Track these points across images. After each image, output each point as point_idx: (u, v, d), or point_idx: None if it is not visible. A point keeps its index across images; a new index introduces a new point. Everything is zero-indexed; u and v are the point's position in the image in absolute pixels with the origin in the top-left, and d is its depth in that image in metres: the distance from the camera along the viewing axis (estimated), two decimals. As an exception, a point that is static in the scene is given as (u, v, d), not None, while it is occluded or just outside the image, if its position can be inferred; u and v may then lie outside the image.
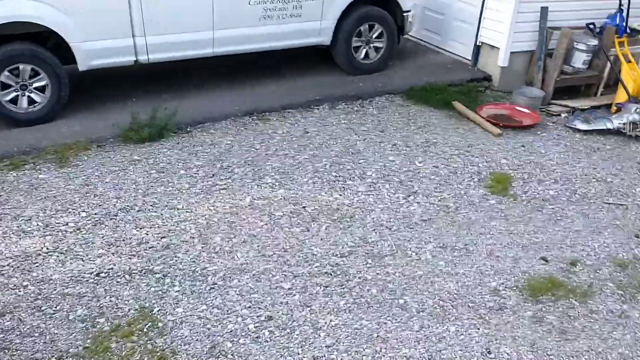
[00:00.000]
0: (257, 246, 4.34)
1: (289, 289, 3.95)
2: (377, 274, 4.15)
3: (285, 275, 4.07)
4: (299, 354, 3.46)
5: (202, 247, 4.29)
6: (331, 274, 4.11)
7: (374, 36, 7.32)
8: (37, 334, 3.51)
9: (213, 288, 3.92)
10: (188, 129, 5.89)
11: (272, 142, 5.77)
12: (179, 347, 3.45)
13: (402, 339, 3.62)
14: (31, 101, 5.72)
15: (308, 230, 4.55)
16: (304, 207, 4.83)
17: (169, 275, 4.01)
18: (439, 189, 5.25)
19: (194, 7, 6.10)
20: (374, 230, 4.62)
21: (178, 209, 4.71)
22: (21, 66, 5.55)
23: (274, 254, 4.27)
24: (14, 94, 5.63)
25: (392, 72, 7.53)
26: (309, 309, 3.79)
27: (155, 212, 4.66)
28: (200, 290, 3.90)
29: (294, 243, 4.40)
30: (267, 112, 6.31)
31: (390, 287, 4.04)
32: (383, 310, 3.83)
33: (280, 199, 4.91)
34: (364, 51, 7.34)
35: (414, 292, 4.01)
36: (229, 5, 6.26)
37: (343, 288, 4.00)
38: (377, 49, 7.41)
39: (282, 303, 3.83)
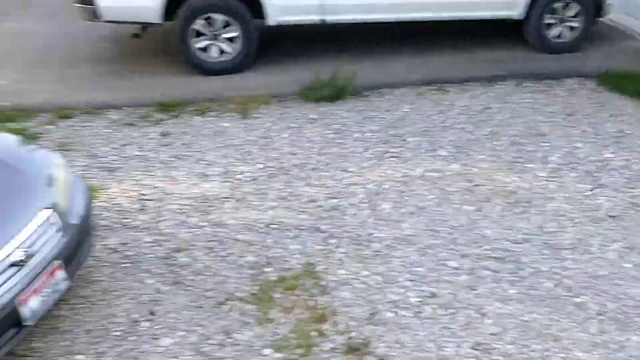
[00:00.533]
0: (425, 219, 4.18)
1: (455, 268, 3.76)
2: (553, 266, 3.81)
3: (452, 253, 3.88)
4: (461, 336, 3.27)
5: (370, 213, 4.22)
6: (502, 260, 3.84)
7: (569, 15, 6.70)
8: (209, 274, 3.67)
9: (377, 255, 3.84)
10: (365, 93, 5.83)
11: (450, 115, 5.53)
12: (340, 308, 3.43)
13: (577, 341, 3.29)
14: (221, 51, 5.98)
15: (480, 210, 4.29)
16: (477, 185, 4.56)
17: (335, 235, 4.00)
18: (631, 184, 4.69)
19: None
20: (554, 219, 4.24)
21: (349, 171, 4.68)
22: (215, 16, 5.81)
23: (442, 229, 4.09)
24: (206, 42, 5.93)
25: (584, 55, 6.85)
26: (475, 292, 3.58)
27: (328, 172, 4.67)
28: (365, 255, 3.84)
29: (464, 221, 4.17)
30: (447, 83, 6.05)
31: (567, 283, 3.68)
32: (557, 307, 3.50)
33: (454, 174, 4.68)
34: (557, 29, 6.75)
35: (594, 293, 3.62)
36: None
37: (514, 276, 3.72)
38: (571, 29, 6.79)
39: (447, 281, 3.65)
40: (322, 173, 4.65)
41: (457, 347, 3.19)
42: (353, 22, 6.18)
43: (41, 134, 5.02)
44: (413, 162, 4.82)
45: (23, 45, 6.57)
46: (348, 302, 3.48)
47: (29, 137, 4.89)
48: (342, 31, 6.80)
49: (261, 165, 4.72)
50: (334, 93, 5.68)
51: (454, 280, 3.66)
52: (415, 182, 4.57)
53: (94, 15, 5.65)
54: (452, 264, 3.79)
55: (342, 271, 3.71)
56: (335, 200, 4.35)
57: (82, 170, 4.55)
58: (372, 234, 4.03)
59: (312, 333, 3.25)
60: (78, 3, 5.67)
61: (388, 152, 4.97)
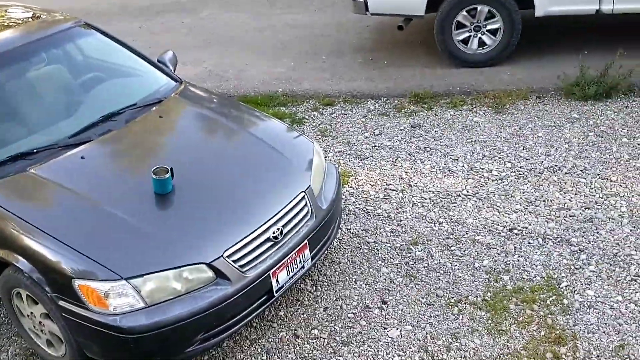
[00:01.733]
0: (703, 246, 3.58)
1: None
2: None
3: None
4: None
5: (631, 231, 3.76)
6: None
7: None
8: (442, 272, 3.65)
9: (635, 280, 3.41)
10: (641, 93, 5.17)
11: None
12: (582, 333, 3.14)
13: None
14: (481, 43, 5.82)
15: None
16: None
17: (585, 251, 3.66)
18: None
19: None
20: None
21: (611, 180, 4.22)
22: (479, 7, 5.65)
23: None
24: (467, 34, 5.81)
25: None
26: None
27: (584, 178, 4.27)
28: (619, 278, 3.44)
29: None
30: None
31: None
32: None
33: None
34: None
35: None
36: None
37: None
38: None
39: None
40: (578, 179, 4.27)
41: None
42: (636, 12, 5.47)
43: (306, 119, 5.45)
44: (694, 176, 4.15)
45: (299, 36, 7.18)
46: (593, 328, 3.16)
47: (296, 122, 5.38)
48: (617, 23, 6.07)
49: (509, 165, 4.50)
50: (603, 91, 5.14)
51: None
52: (694, 200, 3.94)
53: (363, 8, 5.92)
54: None
55: (590, 292, 3.38)
56: (590, 212, 3.96)
57: (337, 156, 4.85)
58: (631, 255, 3.59)
59: (547, 355, 3.03)
60: (352, -4, 6.01)
61: (663, 162, 4.35)
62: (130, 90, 4.01)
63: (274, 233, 3.12)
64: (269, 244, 3.11)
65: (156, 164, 3.21)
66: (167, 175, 3.14)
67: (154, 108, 3.80)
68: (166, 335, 2.87)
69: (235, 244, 3.00)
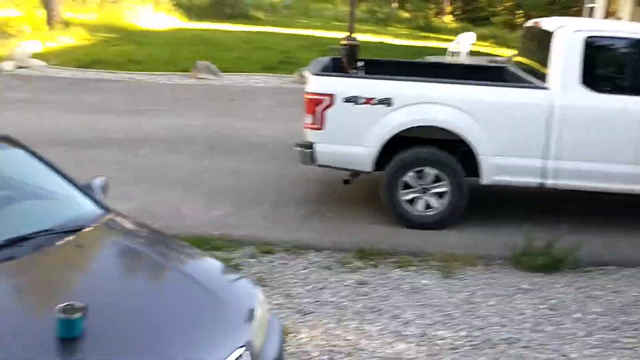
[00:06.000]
0: None
1: None
2: None
3: None
4: None
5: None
6: None
7: None
8: None
9: None
10: (587, 269, 5.08)
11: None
12: None
13: None
14: (427, 205, 5.72)
15: None
16: None
17: None
18: None
19: (619, 138, 5.45)
20: None
21: (570, 357, 3.90)
22: (426, 169, 5.63)
23: None
24: (413, 195, 5.72)
25: None
26: None
27: (543, 353, 3.94)
28: None
29: None
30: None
31: None
32: None
33: None
34: None
35: None
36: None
37: None
38: None
39: None
40: (537, 354, 3.93)
41: None
42: (578, 189, 5.59)
43: (242, 266, 4.99)
44: (655, 359, 3.91)
45: (241, 182, 6.92)
46: None
47: (231, 267, 4.90)
48: (563, 196, 6.19)
49: (464, 333, 4.14)
50: (551, 263, 5.03)
51: None
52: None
53: (311, 159, 5.77)
54: None
55: None
56: (551, 393, 3.58)
57: (276, 309, 4.35)
58: None
59: None
60: (299, 147, 5.86)
61: (617, 341, 4.12)
62: (47, 213, 3.50)
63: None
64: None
65: (63, 302, 2.63)
66: (78, 315, 2.56)
67: (72, 236, 3.29)
68: None
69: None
